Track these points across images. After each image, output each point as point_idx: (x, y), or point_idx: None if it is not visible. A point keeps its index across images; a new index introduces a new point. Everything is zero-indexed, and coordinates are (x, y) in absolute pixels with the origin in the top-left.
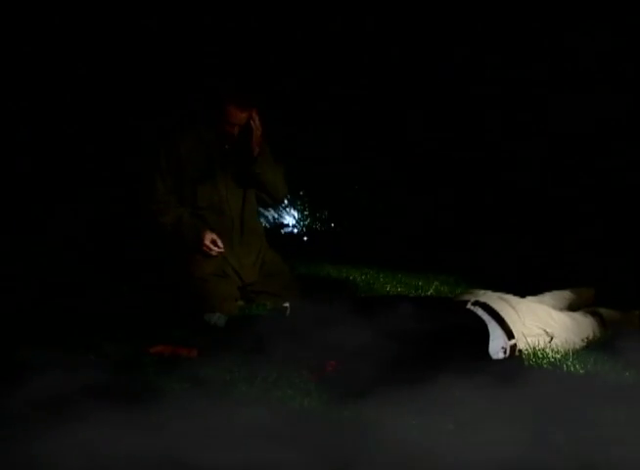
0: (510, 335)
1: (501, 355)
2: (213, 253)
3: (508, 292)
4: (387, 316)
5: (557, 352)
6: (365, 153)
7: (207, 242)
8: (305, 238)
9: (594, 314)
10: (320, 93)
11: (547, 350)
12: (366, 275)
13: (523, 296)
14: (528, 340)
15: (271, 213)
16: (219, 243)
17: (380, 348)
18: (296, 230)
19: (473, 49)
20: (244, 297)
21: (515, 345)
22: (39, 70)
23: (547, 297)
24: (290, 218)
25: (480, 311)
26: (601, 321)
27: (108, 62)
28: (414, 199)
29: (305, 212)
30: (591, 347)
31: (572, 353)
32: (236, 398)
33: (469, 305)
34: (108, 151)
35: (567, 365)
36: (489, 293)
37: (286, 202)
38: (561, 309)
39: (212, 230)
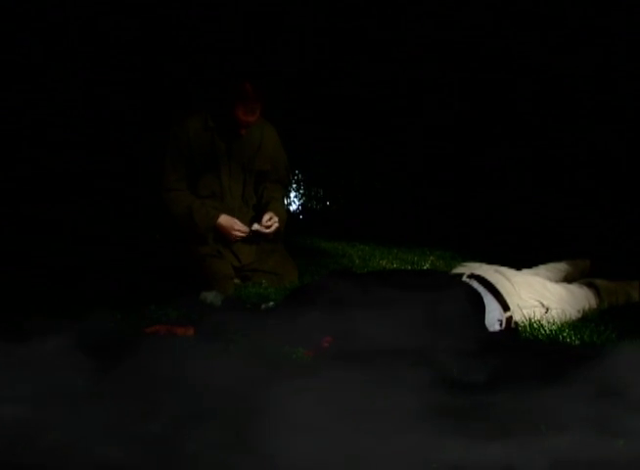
0: (505, 307)
1: (497, 328)
2: (244, 235)
3: (503, 265)
4: (382, 290)
5: (553, 324)
6: (360, 131)
7: (236, 232)
8: (301, 217)
9: (590, 286)
10: (317, 74)
11: (543, 321)
12: (362, 252)
13: (518, 268)
14: (524, 312)
15: None
16: (240, 225)
17: (375, 321)
18: (291, 208)
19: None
20: (240, 276)
21: (510, 317)
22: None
23: (543, 269)
24: (285, 197)
25: (475, 284)
26: (597, 292)
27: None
28: (409, 175)
29: (301, 191)
30: (587, 318)
31: (568, 325)
32: (234, 374)
33: (464, 278)
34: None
35: (562, 336)
36: (485, 266)
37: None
38: (557, 281)
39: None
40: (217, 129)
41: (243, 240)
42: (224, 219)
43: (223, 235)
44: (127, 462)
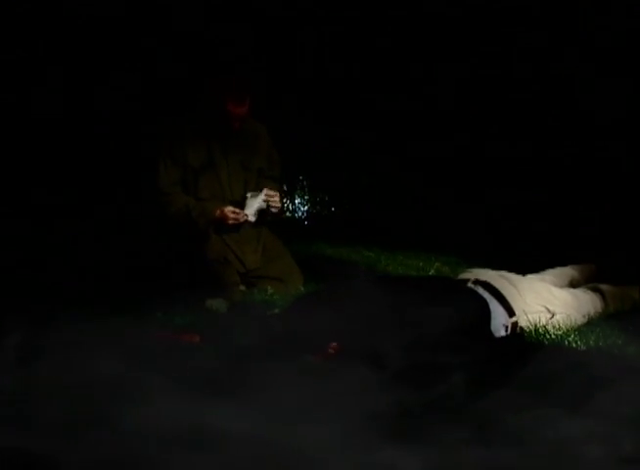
0: (511, 312)
1: (503, 333)
2: (241, 219)
3: (509, 270)
4: (388, 297)
5: (558, 329)
6: (365, 135)
7: (230, 215)
8: (306, 223)
9: (595, 291)
10: (318, 76)
11: (548, 326)
12: (367, 258)
13: (523, 274)
14: (529, 317)
15: None
16: (237, 213)
17: (380, 328)
18: (296, 215)
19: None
20: (245, 282)
21: (516, 322)
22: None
23: (548, 274)
24: (290, 203)
25: (480, 290)
26: (602, 297)
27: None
28: (414, 181)
29: (305, 197)
30: (593, 323)
31: (574, 330)
32: (239, 381)
33: (469, 284)
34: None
35: (568, 341)
36: (490, 271)
37: (285, 188)
38: (562, 286)
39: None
40: (211, 129)
41: (247, 244)
42: (220, 212)
43: (225, 226)
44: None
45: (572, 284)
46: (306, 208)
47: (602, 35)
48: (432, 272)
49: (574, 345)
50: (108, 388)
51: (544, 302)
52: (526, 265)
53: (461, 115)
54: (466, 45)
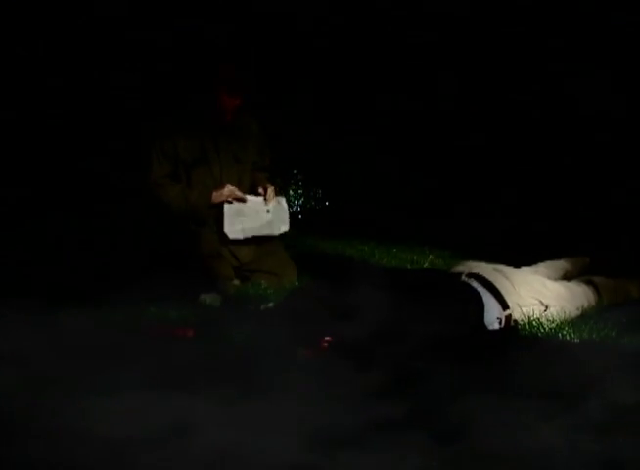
0: (504, 306)
1: (496, 326)
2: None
3: (503, 263)
4: (381, 290)
5: (552, 322)
6: (358, 129)
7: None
8: (300, 217)
9: (589, 283)
10: (312, 71)
11: (542, 319)
12: (361, 251)
13: (517, 267)
14: (523, 310)
15: None
16: (238, 192)
17: (374, 321)
18: (290, 209)
19: None
20: (239, 276)
21: (510, 315)
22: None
23: (542, 267)
24: (284, 197)
25: (474, 283)
26: (596, 290)
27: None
28: (408, 175)
29: (299, 191)
30: (586, 315)
31: (568, 322)
32: (232, 377)
33: (463, 278)
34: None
35: (562, 334)
36: (484, 265)
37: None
38: (555, 279)
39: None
40: (203, 123)
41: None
42: (216, 195)
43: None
44: None
45: (566, 277)
46: (300, 202)
47: (602, 35)
48: (425, 265)
49: (568, 337)
50: (80, 384)
51: (538, 294)
52: (520, 258)
53: (459, 114)
54: (466, 45)
